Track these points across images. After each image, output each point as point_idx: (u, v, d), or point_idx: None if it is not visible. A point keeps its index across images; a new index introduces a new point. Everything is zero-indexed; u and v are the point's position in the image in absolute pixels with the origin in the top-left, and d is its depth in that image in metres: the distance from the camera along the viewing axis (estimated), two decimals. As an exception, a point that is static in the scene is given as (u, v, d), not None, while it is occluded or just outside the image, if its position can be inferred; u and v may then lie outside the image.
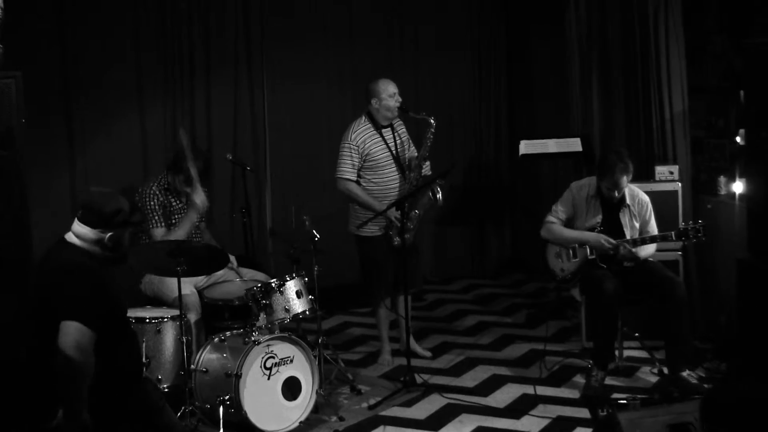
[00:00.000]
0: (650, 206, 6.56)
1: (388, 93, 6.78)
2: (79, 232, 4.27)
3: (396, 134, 6.89)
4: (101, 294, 4.17)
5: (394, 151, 6.82)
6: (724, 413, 3.82)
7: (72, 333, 4.00)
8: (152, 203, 6.48)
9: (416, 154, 6.93)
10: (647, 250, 6.47)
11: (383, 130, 6.84)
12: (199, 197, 6.23)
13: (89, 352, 4.03)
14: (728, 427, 3.80)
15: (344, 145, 6.80)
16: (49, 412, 4.13)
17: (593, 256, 6.48)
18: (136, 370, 4.45)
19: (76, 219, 4.31)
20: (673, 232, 6.32)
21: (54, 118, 7.58)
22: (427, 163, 6.83)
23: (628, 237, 6.44)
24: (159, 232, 6.42)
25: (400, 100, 6.82)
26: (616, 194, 6.40)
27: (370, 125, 6.83)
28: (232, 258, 6.56)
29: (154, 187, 6.55)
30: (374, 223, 6.73)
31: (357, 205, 6.84)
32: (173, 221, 6.53)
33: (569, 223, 6.63)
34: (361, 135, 6.79)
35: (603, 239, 6.41)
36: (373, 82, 6.87)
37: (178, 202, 6.57)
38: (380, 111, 6.80)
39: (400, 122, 6.96)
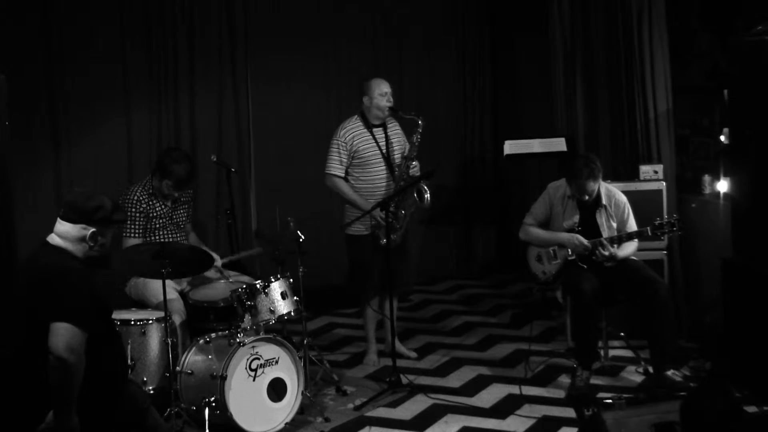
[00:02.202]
0: (628, 206, 6.53)
1: (380, 92, 6.79)
2: (60, 231, 4.26)
3: (387, 134, 6.89)
4: (90, 295, 4.16)
5: (384, 150, 6.82)
6: (703, 418, 3.85)
7: (63, 334, 3.99)
8: (133, 210, 6.40)
9: (414, 154, 6.95)
10: (626, 250, 6.43)
11: (374, 129, 6.85)
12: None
13: (80, 353, 4.02)
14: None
15: (333, 142, 6.83)
16: (37, 416, 4.12)
17: (573, 257, 6.48)
18: (122, 372, 4.44)
19: (58, 218, 4.30)
20: (648, 228, 6.31)
21: (38, 119, 7.54)
22: (415, 163, 6.81)
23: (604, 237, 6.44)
24: (131, 242, 6.35)
25: (392, 101, 6.82)
26: (586, 198, 6.40)
27: (360, 123, 6.85)
28: (217, 259, 6.52)
29: (138, 192, 6.46)
30: (361, 223, 6.73)
31: (347, 203, 6.85)
32: (157, 225, 6.50)
33: (546, 224, 6.63)
34: (350, 132, 6.81)
35: (578, 240, 6.41)
36: (368, 79, 6.90)
37: (162, 206, 6.52)
38: (371, 109, 6.82)
39: (395, 123, 6.95)
